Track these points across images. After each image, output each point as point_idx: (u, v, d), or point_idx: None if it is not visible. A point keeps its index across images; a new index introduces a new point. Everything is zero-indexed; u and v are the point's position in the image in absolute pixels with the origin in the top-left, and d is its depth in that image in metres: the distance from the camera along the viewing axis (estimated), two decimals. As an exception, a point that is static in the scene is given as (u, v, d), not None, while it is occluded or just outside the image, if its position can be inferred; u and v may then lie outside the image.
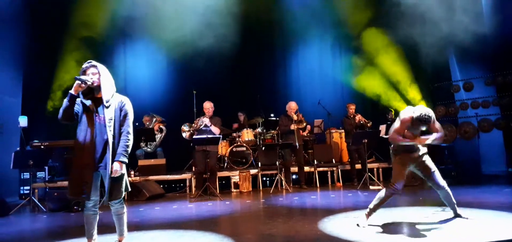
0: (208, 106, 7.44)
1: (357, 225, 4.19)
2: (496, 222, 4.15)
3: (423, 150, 4.15)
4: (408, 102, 11.03)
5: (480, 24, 8.71)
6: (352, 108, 8.58)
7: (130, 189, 3.46)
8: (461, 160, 8.51)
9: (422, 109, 3.91)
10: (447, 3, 8.71)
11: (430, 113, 3.89)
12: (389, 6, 9.39)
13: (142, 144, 8.71)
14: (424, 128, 3.99)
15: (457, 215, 4.28)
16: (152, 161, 8.30)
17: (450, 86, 9.63)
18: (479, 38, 8.51)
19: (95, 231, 3.40)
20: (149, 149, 8.75)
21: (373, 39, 10.70)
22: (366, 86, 11.10)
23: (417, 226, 4.09)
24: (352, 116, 8.51)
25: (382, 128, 9.03)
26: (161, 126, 8.99)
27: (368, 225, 4.17)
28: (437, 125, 4.05)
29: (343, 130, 9.58)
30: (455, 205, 4.27)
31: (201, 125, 7.31)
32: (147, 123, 9.00)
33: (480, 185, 7.18)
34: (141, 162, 8.19)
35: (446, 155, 8.67)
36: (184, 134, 7.50)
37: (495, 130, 8.80)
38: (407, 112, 4.01)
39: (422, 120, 3.86)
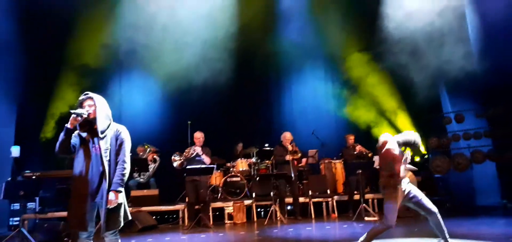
0: (198, 135, 7.46)
1: None
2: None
3: (405, 182, 4.15)
4: (399, 132, 11.09)
5: (470, 58, 8.91)
6: (351, 138, 8.63)
7: (130, 218, 3.41)
8: (455, 191, 8.52)
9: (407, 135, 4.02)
10: (437, 37, 8.92)
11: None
12: (380, 40, 9.61)
13: (135, 175, 8.63)
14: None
15: None
16: (144, 192, 8.21)
17: (442, 118, 9.74)
18: (468, 72, 8.69)
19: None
20: (142, 180, 8.66)
21: (364, 71, 10.92)
22: (358, 117, 11.23)
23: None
24: (351, 146, 8.53)
25: (377, 159, 9.05)
26: (154, 157, 8.94)
27: None
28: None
29: (337, 161, 9.60)
30: (446, 233, 4.20)
31: (192, 153, 7.28)
32: (141, 153, 8.95)
33: (475, 217, 7.17)
34: (134, 193, 8.08)
35: (440, 187, 8.69)
36: (175, 163, 7.44)
37: (488, 162, 8.85)
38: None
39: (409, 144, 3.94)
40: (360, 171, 7.79)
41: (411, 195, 4.12)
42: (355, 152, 8.44)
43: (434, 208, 4.11)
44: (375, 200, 8.78)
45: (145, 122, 10.11)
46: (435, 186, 9.06)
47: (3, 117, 8.87)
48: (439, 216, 4.13)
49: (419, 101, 9.92)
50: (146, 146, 9.04)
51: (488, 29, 8.86)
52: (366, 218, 7.40)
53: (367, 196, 8.62)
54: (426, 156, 10.24)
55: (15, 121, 9.11)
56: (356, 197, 8.18)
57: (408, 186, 4.14)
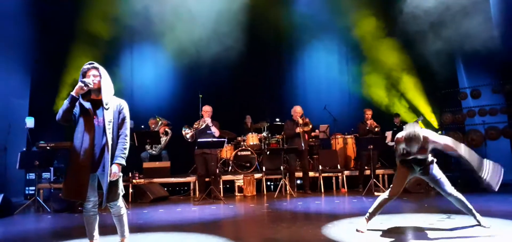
0: (207, 109, 7.49)
1: (357, 230, 4.15)
2: (503, 231, 4.09)
3: (429, 159, 4.09)
4: (414, 110, 10.98)
5: (489, 32, 8.65)
6: (368, 113, 8.55)
7: (124, 192, 3.44)
8: (468, 168, 8.41)
9: (409, 128, 3.84)
10: (456, 11, 8.66)
11: (417, 131, 3.79)
12: (397, 13, 9.37)
13: (148, 147, 8.73)
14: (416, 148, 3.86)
15: (478, 222, 4.15)
16: (156, 164, 8.31)
17: (458, 94, 9.55)
18: (487, 46, 8.44)
19: (96, 232, 3.40)
20: (154, 152, 8.77)
21: (380, 46, 10.68)
22: (372, 93, 11.07)
23: (420, 233, 4.04)
24: (367, 121, 8.48)
25: (388, 134, 8.95)
26: (166, 129, 9.01)
27: (368, 230, 4.13)
28: (438, 139, 3.97)
29: (348, 136, 9.55)
30: (474, 211, 4.14)
31: (202, 125, 7.33)
32: (153, 126, 9.03)
33: (489, 194, 7.08)
34: (146, 165, 8.20)
35: (453, 163, 8.59)
36: (187, 136, 7.50)
37: (503, 138, 8.70)
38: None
39: (408, 139, 3.81)
40: (372, 146, 7.73)
41: (430, 173, 4.06)
42: (367, 127, 8.39)
43: (452, 190, 4.05)
44: (386, 176, 8.75)
45: (156, 95, 10.17)
46: (448, 162, 8.96)
47: (17, 89, 9.02)
48: (460, 196, 4.05)
49: (435, 76, 9.73)
50: (158, 119, 9.11)
51: (509, 3, 8.55)
52: (375, 193, 7.38)
53: (378, 171, 8.59)
54: (439, 132, 10.10)
55: (29, 93, 9.25)
56: (367, 172, 8.15)
57: (429, 164, 4.08)
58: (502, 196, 6.81)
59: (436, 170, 4.09)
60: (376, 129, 8.37)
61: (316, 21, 10.86)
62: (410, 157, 4.01)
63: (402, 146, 3.91)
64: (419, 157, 3.99)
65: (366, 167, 8.20)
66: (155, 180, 7.94)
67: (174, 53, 9.87)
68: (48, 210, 6.48)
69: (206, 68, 9.49)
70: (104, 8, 9.60)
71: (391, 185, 4.15)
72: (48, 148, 7.74)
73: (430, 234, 4.00)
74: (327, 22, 11.00)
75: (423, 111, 10.78)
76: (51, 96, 9.31)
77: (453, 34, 8.81)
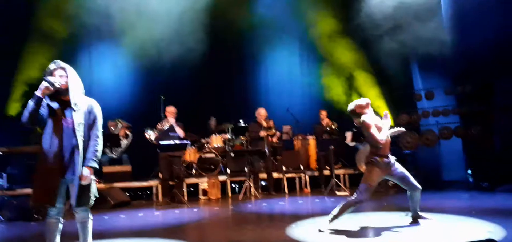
0: (172, 109, 7.41)
1: (319, 230, 4.24)
2: (456, 226, 4.33)
3: (392, 158, 4.27)
4: (373, 110, 11.33)
5: (441, 37, 9.11)
6: (323, 114, 8.76)
7: (97, 195, 3.35)
8: (423, 166, 8.81)
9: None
10: (411, 15, 9.04)
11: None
12: (354, 14, 9.65)
13: (107, 150, 8.48)
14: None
15: (417, 216, 4.40)
16: (117, 168, 8.09)
17: (413, 95, 9.98)
18: (439, 50, 8.90)
19: (57, 239, 3.27)
20: (114, 155, 8.52)
21: (338, 47, 10.98)
22: (332, 94, 11.35)
23: (381, 231, 4.19)
24: (323, 122, 8.67)
25: (348, 134, 9.22)
26: (127, 132, 8.79)
27: (330, 230, 4.24)
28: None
29: (310, 137, 9.73)
30: (418, 209, 4.39)
31: (166, 126, 7.21)
32: (112, 128, 8.77)
33: (441, 191, 7.48)
34: (106, 169, 7.95)
35: (409, 162, 8.96)
36: (151, 137, 7.35)
37: (455, 138, 9.18)
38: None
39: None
40: (332, 147, 7.92)
41: (396, 171, 4.23)
42: (324, 128, 8.60)
43: (418, 185, 4.27)
44: (346, 176, 9.00)
45: (116, 96, 9.86)
46: (404, 161, 9.33)
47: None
48: (419, 193, 4.26)
49: (392, 78, 10.12)
50: (117, 121, 8.86)
51: (460, 8, 9.04)
52: (337, 193, 7.58)
53: (338, 171, 8.82)
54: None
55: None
56: (326, 172, 8.35)
57: (394, 162, 4.25)
58: (455, 193, 7.21)
59: (401, 168, 4.27)
60: (333, 127, 8.59)
61: (277, 22, 10.96)
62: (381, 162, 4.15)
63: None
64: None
65: (327, 167, 8.38)
66: (116, 184, 7.71)
67: (134, 53, 9.61)
68: (1, 219, 6.12)
69: (168, 69, 9.32)
70: (61, 5, 9.20)
71: (360, 188, 4.26)
72: (0, 153, 7.32)
73: (391, 232, 4.15)
74: (288, 24, 11.15)
75: (381, 112, 11.16)
76: (3, 97, 8.80)
77: (408, 37, 9.21)
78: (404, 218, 4.65)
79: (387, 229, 4.28)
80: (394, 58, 9.48)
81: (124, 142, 8.67)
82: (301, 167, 9.09)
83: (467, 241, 3.37)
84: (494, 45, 7.54)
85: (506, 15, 7.35)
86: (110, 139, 8.31)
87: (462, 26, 8.69)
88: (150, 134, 7.39)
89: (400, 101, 10.10)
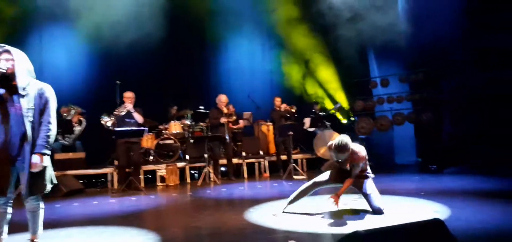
0: (130, 95, 7.13)
1: (274, 214, 4.31)
2: (406, 207, 4.54)
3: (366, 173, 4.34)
4: (331, 97, 11.64)
5: (396, 26, 9.45)
6: (278, 100, 8.84)
7: (56, 182, 3.19)
8: (377, 151, 9.15)
9: (342, 137, 4.06)
10: (368, 4, 9.29)
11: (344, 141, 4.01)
12: (314, 1, 9.78)
13: (59, 137, 8.11)
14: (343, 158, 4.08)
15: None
16: (70, 155, 7.77)
17: (369, 82, 10.30)
18: (394, 39, 9.23)
19: (4, 229, 3.10)
20: (66, 142, 8.17)
21: (298, 34, 11.11)
22: (292, 80, 11.49)
23: (335, 213, 4.32)
24: (278, 108, 8.75)
25: (307, 120, 9.39)
26: (80, 118, 8.44)
27: (285, 212, 4.35)
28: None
29: (270, 123, 9.82)
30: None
31: (123, 111, 6.96)
32: (65, 114, 8.39)
33: (394, 174, 7.82)
34: (58, 156, 7.62)
35: (364, 147, 9.28)
36: (108, 124, 7.09)
37: (407, 123, 9.60)
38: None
39: (338, 147, 3.98)
40: (291, 132, 8.04)
41: (365, 191, 4.24)
42: (281, 112, 8.68)
43: (378, 206, 4.14)
44: (304, 160, 9.18)
45: (69, 81, 9.42)
46: (360, 145, 9.68)
47: None
48: (381, 209, 4.14)
49: (349, 66, 10.39)
50: (70, 107, 8.48)
51: (415, 0, 9.39)
52: (295, 177, 7.72)
53: (296, 156, 8.98)
54: (352, 118, 10.85)
55: None
56: (284, 157, 8.49)
57: (367, 181, 4.31)
58: (405, 176, 7.55)
59: (369, 186, 4.30)
60: (292, 110, 8.71)
61: (237, 8, 10.87)
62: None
63: (331, 152, 4.06)
64: (343, 167, 4.20)
65: (285, 152, 8.49)
66: (69, 172, 7.42)
67: (89, 36, 9.23)
68: None
69: (125, 53, 9.02)
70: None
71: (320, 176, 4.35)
72: None
73: (345, 214, 4.29)
74: (248, 10, 11.11)
75: (339, 99, 11.49)
76: None
77: (365, 26, 9.47)
78: (358, 200, 4.81)
79: (341, 211, 4.41)
80: (351, 46, 9.74)
81: (77, 129, 8.33)
82: (261, 152, 9.17)
83: (415, 220, 3.54)
84: (444, 35, 7.91)
85: (456, 8, 7.72)
86: (63, 126, 7.95)
87: (416, 17, 9.03)
88: (106, 120, 7.11)
89: (356, 88, 10.40)
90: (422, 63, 9.07)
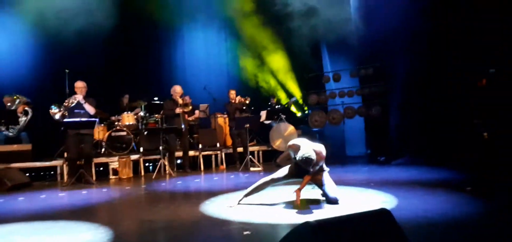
0: (80, 85, 6.84)
1: (229, 206, 4.36)
2: (356, 197, 4.75)
3: (324, 168, 4.46)
4: (286, 91, 11.86)
5: (348, 23, 9.77)
6: (232, 93, 8.88)
7: None
8: (329, 143, 9.47)
9: (304, 150, 3.99)
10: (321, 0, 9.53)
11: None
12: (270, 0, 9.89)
13: (3, 128, 7.65)
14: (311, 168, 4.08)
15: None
16: (14, 147, 7.36)
17: (322, 77, 10.60)
18: (346, 35, 9.55)
19: None
20: (10, 134, 7.72)
21: (255, 28, 11.17)
22: (249, 73, 11.56)
23: (292, 203, 4.44)
24: (233, 100, 8.79)
25: (263, 113, 9.53)
26: (26, 108, 7.99)
27: (240, 203, 4.41)
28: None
29: (227, 115, 9.85)
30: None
31: (73, 102, 6.67)
32: (9, 104, 7.91)
33: (345, 165, 8.13)
34: (2, 148, 7.21)
35: (317, 139, 9.56)
36: (55, 116, 6.76)
37: (357, 117, 10.00)
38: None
39: (304, 161, 3.95)
40: (248, 125, 8.11)
41: (322, 182, 4.37)
42: (236, 105, 8.74)
43: (334, 195, 4.28)
44: (260, 152, 9.30)
45: (13, 69, 8.89)
46: (313, 138, 9.97)
47: None
48: (337, 199, 4.29)
49: (303, 61, 10.62)
50: (15, 97, 8.01)
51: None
52: (251, 169, 7.82)
53: (253, 148, 9.08)
54: (306, 111, 11.14)
55: None
56: (239, 150, 8.56)
57: (324, 174, 4.42)
58: (356, 167, 7.88)
59: (325, 177, 4.43)
60: (247, 102, 8.78)
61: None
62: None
63: (300, 156, 4.00)
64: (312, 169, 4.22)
65: (238, 143, 8.55)
66: (13, 165, 7.03)
67: (34, 22, 8.73)
68: None
69: (73, 42, 8.63)
70: None
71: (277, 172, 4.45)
72: None
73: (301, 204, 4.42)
74: (205, 0, 11.02)
75: (293, 92, 11.74)
76: None
77: (318, 21, 9.71)
78: (312, 190, 4.96)
79: (294, 201, 4.54)
80: (305, 41, 9.95)
81: (22, 119, 7.88)
82: (218, 144, 9.17)
83: (363, 211, 3.73)
84: (392, 31, 8.29)
85: (403, 6, 8.10)
86: (7, 116, 7.50)
87: (366, 14, 9.37)
88: (55, 111, 6.76)
89: (310, 83, 10.66)
90: (372, 59, 9.45)
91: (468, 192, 4.67)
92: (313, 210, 4.03)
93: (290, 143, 4.38)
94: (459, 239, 3.12)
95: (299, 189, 4.24)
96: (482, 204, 4.11)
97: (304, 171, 4.27)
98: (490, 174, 5.86)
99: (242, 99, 8.79)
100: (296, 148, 4.16)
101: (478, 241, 3.06)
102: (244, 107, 8.77)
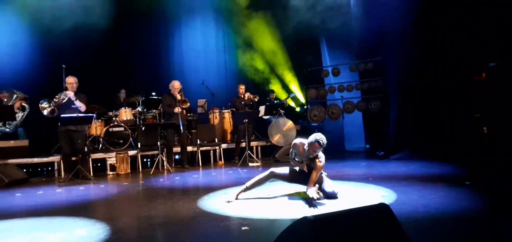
0: (71, 80, 6.63)
1: (227, 201, 4.34)
2: (355, 192, 4.73)
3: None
4: (285, 86, 11.81)
5: (347, 18, 9.73)
6: (242, 88, 8.82)
7: None
8: (328, 137, 9.44)
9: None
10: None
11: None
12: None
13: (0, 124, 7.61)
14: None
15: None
16: (11, 143, 7.32)
17: (321, 71, 10.55)
18: (345, 30, 9.49)
19: None
20: (8, 129, 7.67)
21: (255, 22, 11.12)
22: (248, 68, 11.51)
23: (288, 200, 4.42)
24: (242, 95, 8.74)
25: (262, 109, 9.49)
26: (23, 104, 7.93)
27: (238, 198, 4.40)
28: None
29: (225, 110, 9.81)
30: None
31: (64, 99, 6.54)
32: (6, 100, 7.85)
33: (344, 160, 8.11)
34: (-2, 144, 7.16)
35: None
36: (44, 111, 6.58)
37: (357, 112, 9.96)
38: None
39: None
40: (247, 120, 8.07)
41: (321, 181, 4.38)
42: (244, 101, 8.70)
43: (332, 190, 4.31)
44: (259, 147, 9.27)
45: (11, 64, 8.83)
46: (312, 133, 9.95)
47: None
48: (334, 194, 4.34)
49: (302, 55, 10.57)
50: (12, 92, 7.95)
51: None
52: (250, 164, 7.79)
53: (253, 143, 9.05)
54: (305, 106, 11.10)
55: None
56: (242, 144, 8.52)
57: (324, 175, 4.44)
58: (354, 161, 7.86)
59: (322, 177, 4.42)
60: (255, 100, 8.76)
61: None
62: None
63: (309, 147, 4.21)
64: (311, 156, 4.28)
65: (242, 140, 8.53)
66: (11, 161, 7.00)
67: (31, 18, 8.66)
68: None
69: (70, 36, 8.57)
70: None
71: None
72: None
73: (297, 199, 4.40)
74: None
75: (292, 87, 11.70)
76: None
77: (318, 17, 9.66)
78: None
79: (292, 198, 4.52)
80: (305, 35, 9.90)
81: (19, 115, 7.83)
82: (216, 140, 9.14)
83: (362, 206, 3.71)
84: (392, 25, 8.25)
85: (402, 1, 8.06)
86: (3, 112, 7.43)
87: (366, 9, 9.32)
88: (45, 106, 6.59)
89: (309, 77, 10.62)
90: (372, 53, 9.41)
91: (467, 186, 4.65)
92: (312, 206, 4.00)
93: (296, 141, 4.40)
94: (458, 233, 3.10)
95: (311, 184, 4.22)
96: (481, 199, 4.09)
97: (305, 176, 4.29)
98: (489, 169, 5.84)
99: (251, 96, 8.74)
100: (301, 150, 4.25)
101: (477, 235, 3.04)
102: (251, 103, 8.73)
